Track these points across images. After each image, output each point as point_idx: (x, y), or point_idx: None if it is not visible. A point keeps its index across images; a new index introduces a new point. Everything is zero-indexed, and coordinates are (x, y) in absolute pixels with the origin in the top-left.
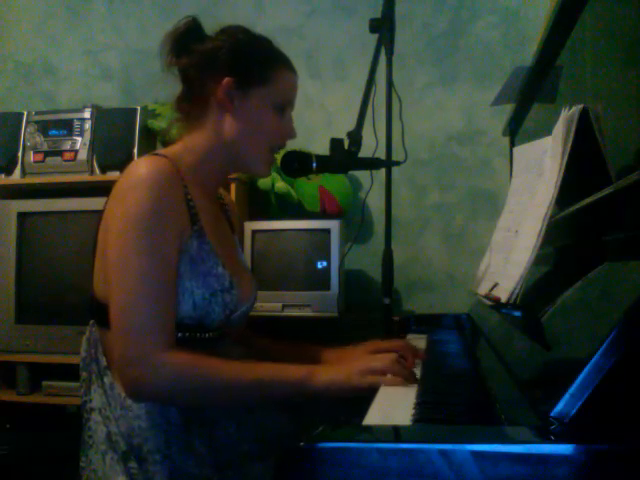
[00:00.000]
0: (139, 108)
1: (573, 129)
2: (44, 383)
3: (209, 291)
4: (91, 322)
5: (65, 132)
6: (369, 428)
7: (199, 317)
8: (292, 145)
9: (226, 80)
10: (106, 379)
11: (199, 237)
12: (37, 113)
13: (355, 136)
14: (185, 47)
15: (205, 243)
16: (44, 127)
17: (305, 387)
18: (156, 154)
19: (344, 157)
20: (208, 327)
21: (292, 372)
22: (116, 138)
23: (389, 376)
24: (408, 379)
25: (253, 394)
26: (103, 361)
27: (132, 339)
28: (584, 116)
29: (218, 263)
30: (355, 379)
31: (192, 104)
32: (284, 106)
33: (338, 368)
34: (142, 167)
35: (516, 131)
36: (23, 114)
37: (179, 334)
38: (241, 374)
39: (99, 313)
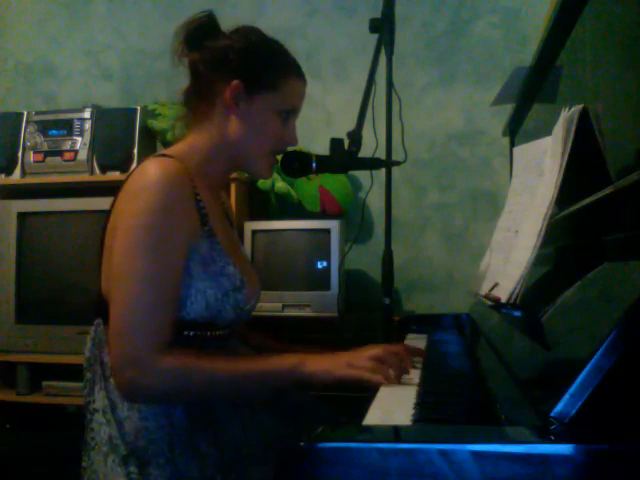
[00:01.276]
0: (139, 108)
1: (573, 129)
2: (44, 383)
3: (221, 291)
4: (96, 322)
5: (65, 132)
6: (369, 428)
7: (211, 316)
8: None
9: (235, 83)
10: (112, 380)
11: (210, 237)
12: (37, 113)
13: (355, 136)
14: (198, 42)
15: (216, 243)
16: (44, 127)
17: (294, 375)
18: (164, 155)
19: (344, 157)
20: (219, 325)
21: (282, 362)
22: (116, 138)
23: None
24: (390, 380)
25: (246, 387)
26: (109, 362)
27: (128, 340)
28: (584, 116)
29: (229, 262)
30: (340, 370)
31: (199, 100)
32: (289, 113)
33: (326, 358)
34: (152, 169)
35: (516, 131)
36: (23, 114)
37: (190, 332)
38: (233, 369)
39: (106, 312)
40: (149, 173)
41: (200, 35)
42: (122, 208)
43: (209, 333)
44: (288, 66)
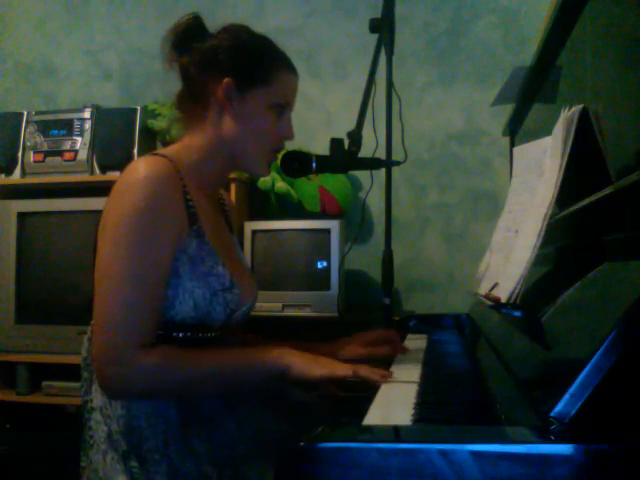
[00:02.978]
0: (139, 108)
1: (573, 129)
2: (44, 383)
3: (210, 291)
4: (92, 322)
5: (65, 132)
6: (369, 428)
7: (200, 317)
8: (292, 145)
9: (226, 80)
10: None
11: (198, 237)
12: (37, 113)
13: (355, 136)
14: (186, 45)
15: (204, 243)
16: (44, 127)
17: (275, 366)
18: (155, 154)
19: (344, 157)
20: (210, 327)
21: (263, 354)
22: (116, 138)
23: None
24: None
25: (229, 380)
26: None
27: (109, 336)
28: (584, 116)
29: (218, 262)
30: (313, 370)
31: (192, 102)
32: (282, 107)
33: (305, 355)
34: (140, 167)
35: (516, 131)
36: (23, 114)
37: (180, 334)
38: (216, 363)
39: None
40: (136, 171)
41: (188, 38)
42: (110, 207)
43: (200, 334)
44: (278, 60)
